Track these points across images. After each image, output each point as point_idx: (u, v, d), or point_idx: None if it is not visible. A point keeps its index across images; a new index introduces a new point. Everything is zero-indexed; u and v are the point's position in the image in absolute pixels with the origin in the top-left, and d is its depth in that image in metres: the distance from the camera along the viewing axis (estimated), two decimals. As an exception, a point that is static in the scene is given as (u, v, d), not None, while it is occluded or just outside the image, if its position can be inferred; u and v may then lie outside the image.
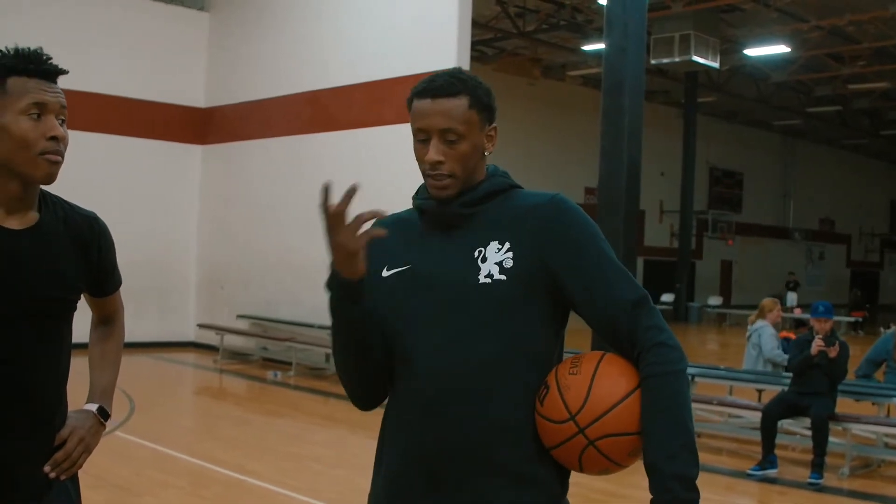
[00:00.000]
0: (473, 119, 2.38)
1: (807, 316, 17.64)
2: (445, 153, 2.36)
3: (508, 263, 2.33)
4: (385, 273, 2.48)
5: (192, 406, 13.39)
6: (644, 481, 2.18)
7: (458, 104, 2.37)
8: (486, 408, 2.29)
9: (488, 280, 2.33)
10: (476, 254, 2.37)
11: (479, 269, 2.35)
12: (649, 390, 2.24)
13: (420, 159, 2.40)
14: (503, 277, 2.32)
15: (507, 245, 2.35)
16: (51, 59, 2.59)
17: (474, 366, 2.30)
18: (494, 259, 2.35)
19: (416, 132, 2.41)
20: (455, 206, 2.41)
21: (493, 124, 2.46)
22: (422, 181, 2.48)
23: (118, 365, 3.03)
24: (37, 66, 2.55)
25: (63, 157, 2.60)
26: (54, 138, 2.55)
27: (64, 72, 2.62)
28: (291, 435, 10.53)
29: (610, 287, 2.31)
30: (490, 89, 2.46)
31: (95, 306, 3.01)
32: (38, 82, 2.55)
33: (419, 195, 2.52)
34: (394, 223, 2.53)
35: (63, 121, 2.60)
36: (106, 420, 2.85)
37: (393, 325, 2.42)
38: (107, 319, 3.06)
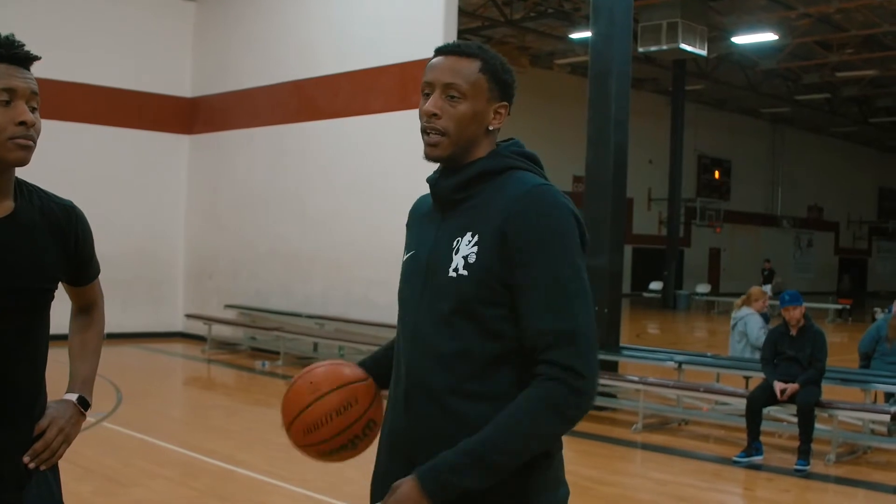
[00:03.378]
0: (482, 84, 2.33)
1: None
2: (443, 108, 2.32)
3: (472, 258, 2.27)
4: (404, 258, 2.50)
5: (180, 396, 13.37)
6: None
7: (469, 64, 2.33)
8: (446, 404, 2.27)
9: (454, 274, 2.28)
10: (454, 243, 2.32)
11: (452, 260, 2.30)
12: (512, 402, 2.20)
13: (420, 113, 2.37)
14: (465, 273, 2.27)
15: (475, 238, 2.28)
16: (23, 45, 2.56)
17: (437, 364, 2.28)
18: (463, 252, 2.29)
19: (423, 86, 2.38)
20: (447, 186, 2.37)
21: (505, 102, 2.39)
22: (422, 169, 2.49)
23: (98, 354, 3.01)
24: (7, 51, 2.52)
25: (35, 143, 2.58)
26: (23, 123, 2.52)
27: (36, 58, 2.59)
28: (280, 424, 10.49)
29: (537, 314, 2.21)
30: (510, 69, 2.40)
31: (74, 296, 3.00)
32: (9, 67, 2.52)
33: (434, 172, 2.49)
34: (419, 206, 2.59)
35: (35, 108, 2.57)
36: (86, 410, 2.84)
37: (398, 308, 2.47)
38: (86, 309, 3.04)
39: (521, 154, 2.41)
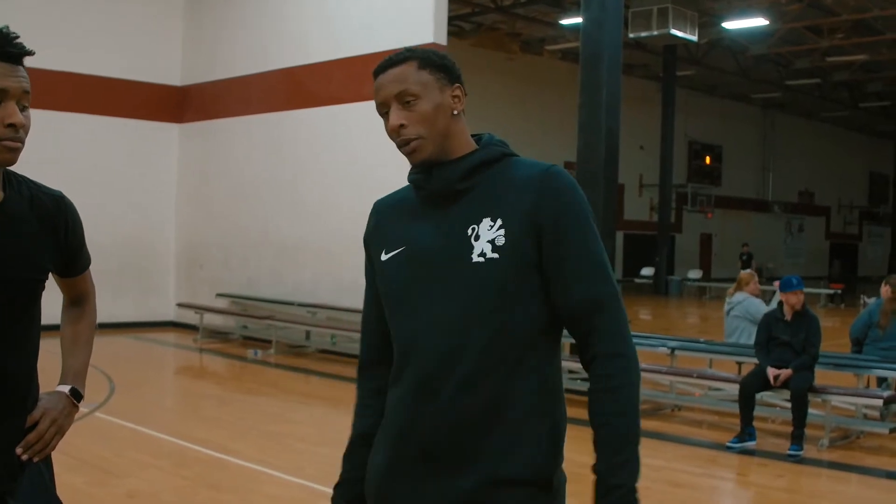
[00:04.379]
0: (427, 79, 2.34)
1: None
2: (406, 116, 2.33)
3: (500, 241, 2.27)
4: (384, 257, 2.45)
5: (172, 386, 13.35)
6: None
7: (407, 68, 2.35)
8: (478, 393, 2.26)
9: (481, 259, 2.27)
10: (469, 231, 2.31)
11: (473, 247, 2.29)
12: (601, 403, 2.27)
13: (388, 132, 2.37)
14: (496, 256, 2.27)
15: (499, 222, 2.29)
16: (16, 38, 2.49)
17: (468, 350, 2.26)
18: (487, 237, 2.29)
19: (379, 108, 2.39)
20: (447, 178, 2.36)
21: (457, 84, 2.40)
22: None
23: (91, 346, 2.99)
24: (0, 48, 2.45)
25: (23, 143, 2.52)
26: (12, 125, 2.46)
27: (29, 53, 2.52)
28: (272, 413, 10.51)
29: (580, 282, 2.28)
30: (445, 54, 2.41)
31: (65, 287, 2.97)
32: (2, 66, 2.45)
33: (412, 170, 2.46)
34: (391, 205, 2.54)
35: (25, 106, 2.51)
36: (79, 401, 2.82)
37: (391, 308, 2.41)
38: (78, 300, 3.02)
39: (503, 143, 2.45)
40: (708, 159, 41.61)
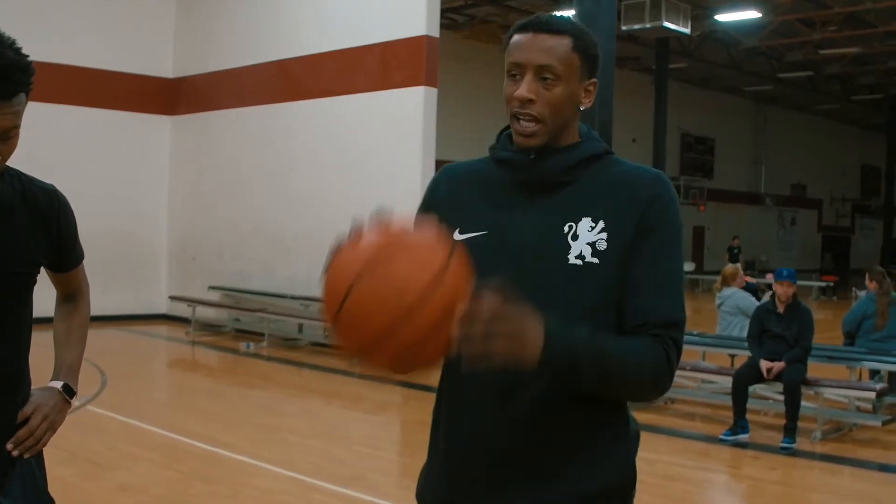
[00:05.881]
0: (574, 63, 2.17)
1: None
2: (538, 92, 2.14)
3: (602, 245, 2.12)
4: (458, 236, 2.21)
5: (164, 379, 13.33)
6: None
7: (562, 42, 2.15)
8: (558, 395, 2.10)
9: (579, 262, 2.11)
10: (567, 229, 2.15)
11: (570, 247, 2.13)
12: (623, 338, 2.11)
13: (509, 97, 2.17)
14: (595, 261, 2.11)
15: (600, 224, 2.13)
16: (14, 69, 2.36)
17: None
18: (587, 238, 2.13)
19: (510, 67, 2.17)
20: (551, 168, 2.19)
21: (594, 79, 2.24)
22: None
23: (84, 342, 2.97)
24: None
25: (6, 160, 2.45)
26: None
27: (24, 89, 2.41)
28: (265, 406, 10.49)
29: (660, 299, 2.14)
30: (597, 42, 2.24)
31: (58, 282, 2.96)
32: None
33: (502, 146, 2.28)
34: (465, 177, 2.34)
35: (10, 137, 2.41)
36: (71, 397, 2.81)
37: None
38: (71, 296, 3.01)
39: (599, 137, 2.31)
40: (700, 152, 41.60)
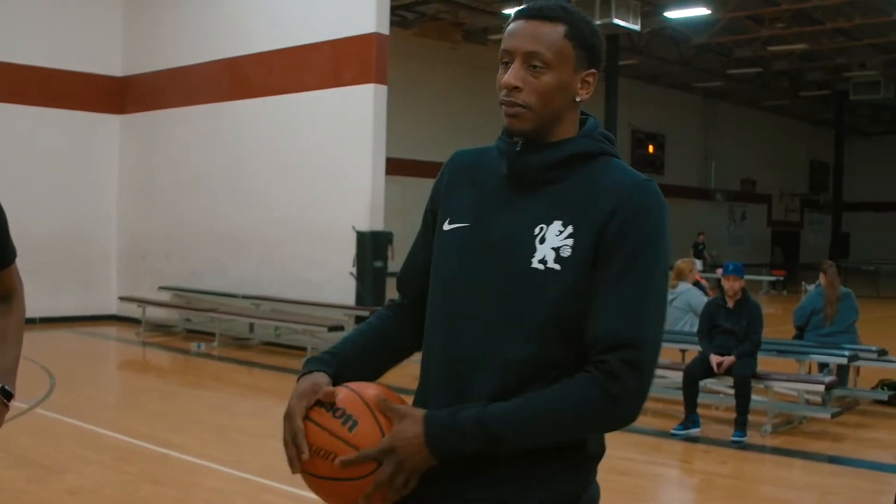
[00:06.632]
0: (567, 51, 2.10)
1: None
2: (524, 80, 2.08)
3: (566, 252, 2.04)
4: (447, 226, 2.21)
5: (114, 380, 13.21)
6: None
7: (552, 30, 2.09)
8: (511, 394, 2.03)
9: (540, 266, 2.04)
10: (537, 230, 2.08)
11: (535, 250, 2.06)
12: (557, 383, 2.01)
13: (498, 84, 2.13)
14: (557, 267, 2.03)
15: (569, 229, 2.05)
16: None
17: (508, 363, 2.05)
18: (553, 243, 2.05)
19: (501, 54, 2.14)
20: (531, 164, 2.13)
21: (593, 69, 2.17)
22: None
23: (20, 342, 2.91)
24: None
25: None
26: None
27: None
28: (216, 406, 10.43)
29: (616, 314, 2.01)
30: (598, 31, 2.16)
31: (-9, 283, 2.90)
32: None
33: (504, 135, 2.21)
34: (469, 165, 2.29)
35: None
36: (9, 400, 2.76)
37: (435, 285, 2.21)
38: (5, 296, 2.94)
39: (607, 137, 2.23)
40: (651, 148, 41.81)
